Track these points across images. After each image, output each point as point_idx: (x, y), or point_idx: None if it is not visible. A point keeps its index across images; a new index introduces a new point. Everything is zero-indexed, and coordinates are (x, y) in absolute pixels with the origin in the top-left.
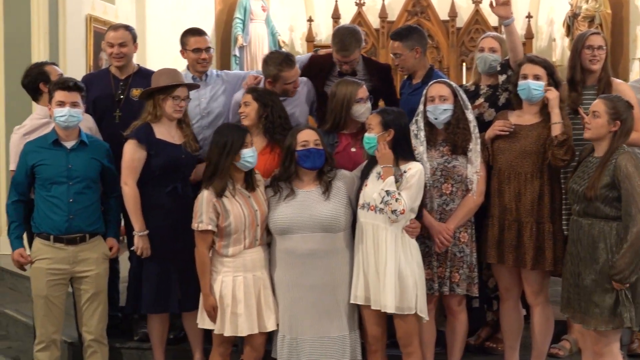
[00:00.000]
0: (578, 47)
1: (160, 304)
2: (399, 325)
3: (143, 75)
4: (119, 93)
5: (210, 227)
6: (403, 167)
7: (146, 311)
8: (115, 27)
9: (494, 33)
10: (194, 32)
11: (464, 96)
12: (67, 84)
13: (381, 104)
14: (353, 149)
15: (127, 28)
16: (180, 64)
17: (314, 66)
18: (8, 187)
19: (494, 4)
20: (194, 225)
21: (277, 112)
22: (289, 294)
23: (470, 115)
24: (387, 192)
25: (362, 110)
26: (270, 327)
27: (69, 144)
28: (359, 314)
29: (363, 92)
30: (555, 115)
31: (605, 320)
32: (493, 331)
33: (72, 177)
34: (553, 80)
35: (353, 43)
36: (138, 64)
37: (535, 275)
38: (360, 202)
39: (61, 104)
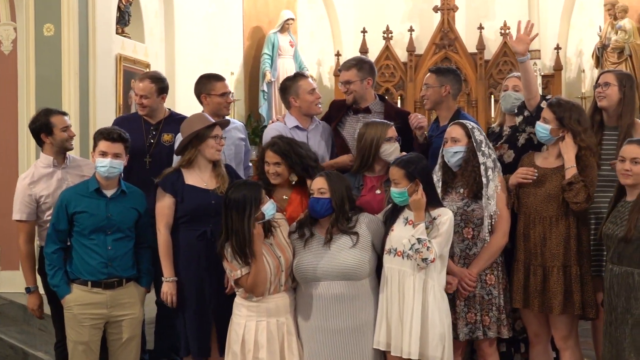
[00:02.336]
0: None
1: (199, 349)
2: None
3: (174, 120)
4: (150, 138)
5: (248, 270)
6: (433, 213)
7: (189, 356)
8: (142, 78)
9: (519, 73)
10: (220, 77)
11: (479, 138)
12: (112, 136)
13: None
14: (378, 191)
15: (153, 80)
16: None
17: (332, 108)
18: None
19: (514, 38)
20: (235, 275)
21: (296, 154)
22: (314, 339)
23: (483, 158)
24: (419, 240)
25: (391, 150)
26: None
27: (109, 193)
28: (385, 358)
29: (392, 131)
30: (568, 161)
31: None
32: None
33: (111, 226)
34: (562, 125)
35: (352, 62)
36: (169, 109)
37: (563, 320)
38: (387, 247)
39: (104, 154)
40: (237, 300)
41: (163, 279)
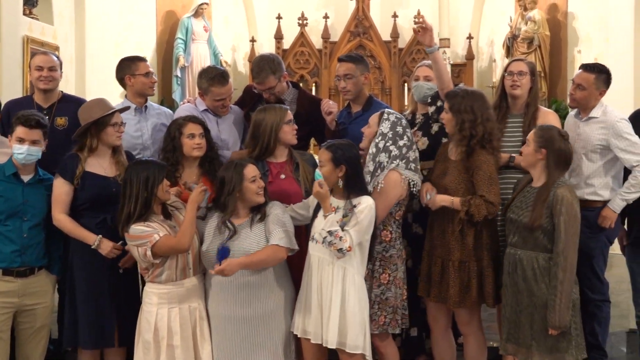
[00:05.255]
0: (502, 73)
1: (96, 340)
2: None
3: (67, 101)
4: None
5: (165, 232)
6: (354, 201)
7: (84, 347)
8: (44, 52)
9: (429, 62)
10: (142, 58)
11: (383, 131)
12: (30, 122)
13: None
14: (282, 176)
15: (56, 55)
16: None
17: (246, 95)
18: None
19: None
20: (154, 239)
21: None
22: (222, 325)
23: (372, 149)
24: (330, 232)
25: (292, 133)
26: (205, 358)
27: (25, 178)
28: (296, 343)
29: (290, 115)
30: (444, 200)
31: (547, 355)
32: (430, 359)
33: (26, 212)
34: (459, 113)
35: (265, 69)
36: (61, 91)
37: (463, 308)
38: (311, 234)
39: (21, 140)
40: (148, 288)
41: (93, 245)
